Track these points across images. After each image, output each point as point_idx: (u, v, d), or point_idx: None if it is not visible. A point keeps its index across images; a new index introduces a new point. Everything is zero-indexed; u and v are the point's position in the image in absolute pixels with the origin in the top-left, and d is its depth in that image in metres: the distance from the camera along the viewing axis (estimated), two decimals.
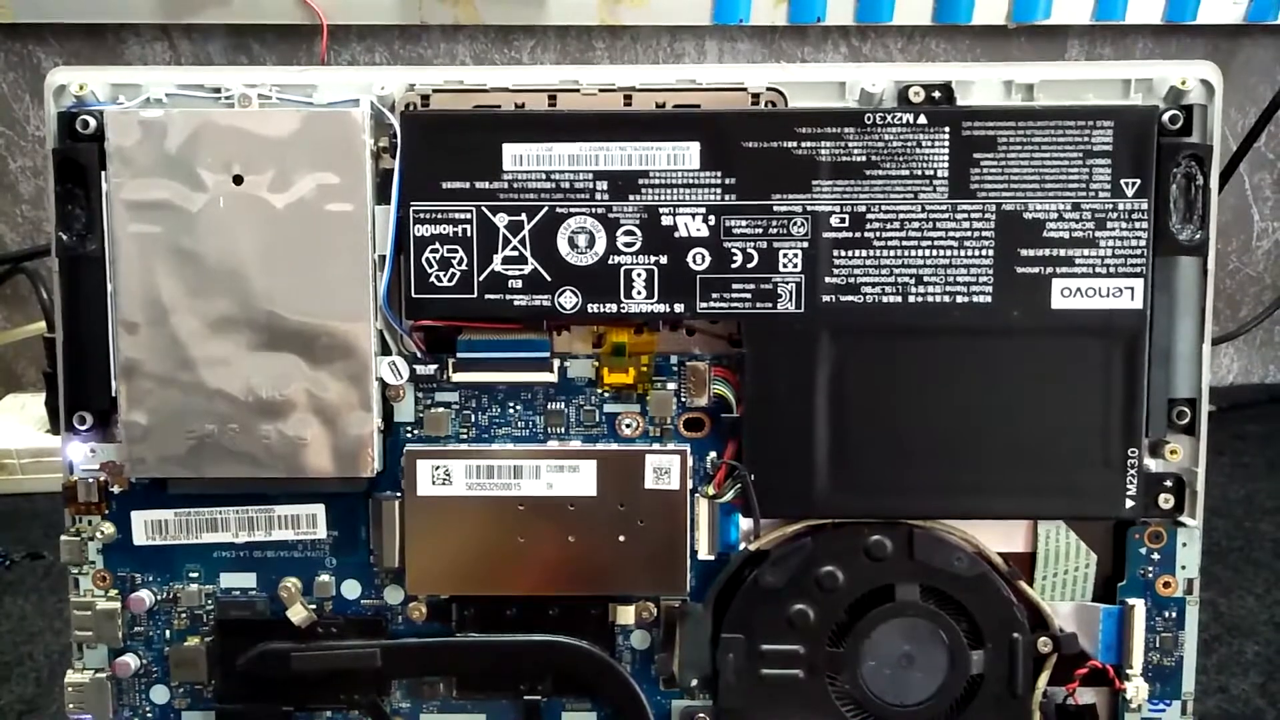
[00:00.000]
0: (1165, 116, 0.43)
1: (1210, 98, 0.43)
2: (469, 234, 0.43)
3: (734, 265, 0.43)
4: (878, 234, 0.43)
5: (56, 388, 0.45)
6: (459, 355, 0.44)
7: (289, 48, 0.90)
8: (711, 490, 0.45)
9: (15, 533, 0.74)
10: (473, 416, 0.45)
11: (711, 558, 0.45)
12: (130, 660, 0.46)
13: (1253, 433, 0.93)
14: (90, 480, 0.45)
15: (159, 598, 0.46)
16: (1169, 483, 0.44)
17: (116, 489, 0.45)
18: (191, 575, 0.46)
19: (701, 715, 0.46)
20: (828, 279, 0.43)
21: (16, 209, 0.95)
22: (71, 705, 0.46)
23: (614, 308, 0.43)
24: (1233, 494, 0.80)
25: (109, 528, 0.45)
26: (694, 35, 0.92)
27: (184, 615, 0.46)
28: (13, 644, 0.61)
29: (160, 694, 0.47)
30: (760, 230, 0.43)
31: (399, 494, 0.44)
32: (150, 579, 0.46)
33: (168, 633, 0.46)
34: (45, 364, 0.81)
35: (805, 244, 0.43)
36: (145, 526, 0.45)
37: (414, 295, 0.43)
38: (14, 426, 0.85)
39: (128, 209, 0.43)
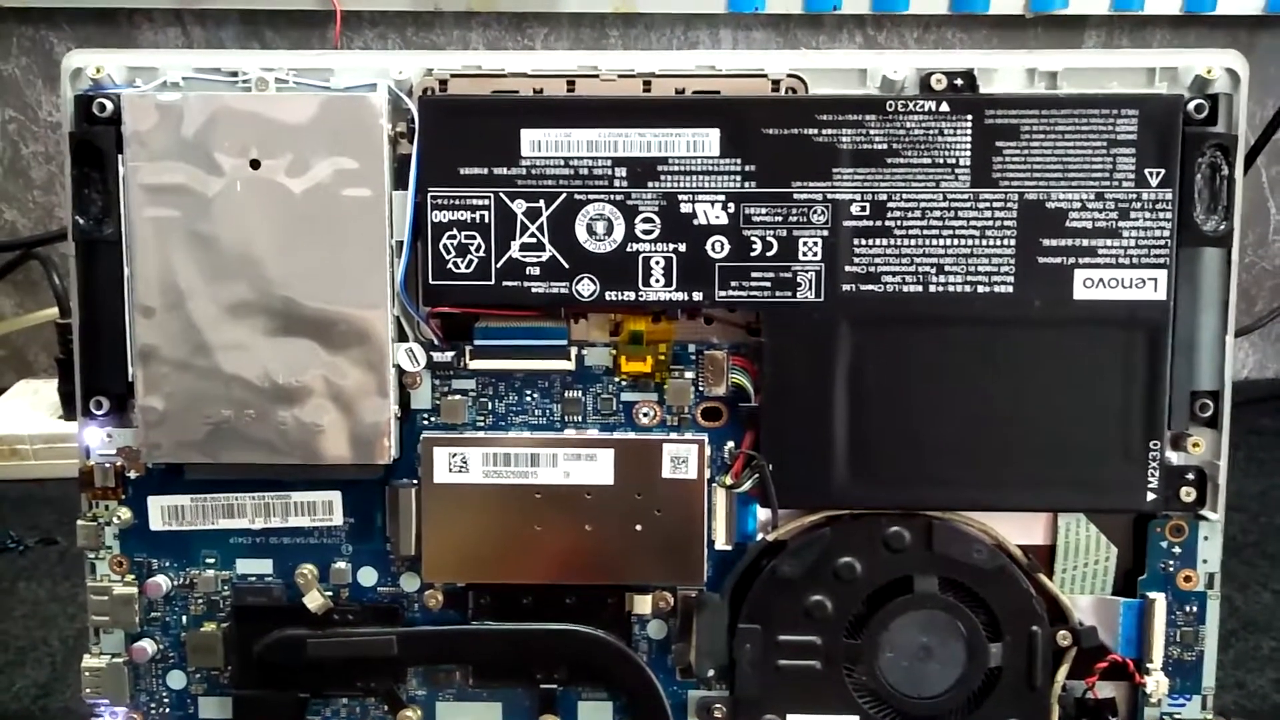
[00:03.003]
0: (1190, 106, 0.42)
1: (1236, 87, 0.42)
2: (487, 220, 0.43)
3: (753, 253, 0.43)
4: (899, 223, 0.42)
5: (69, 373, 0.45)
6: (476, 342, 0.44)
7: (302, 34, 0.90)
8: (729, 480, 0.44)
9: (28, 518, 0.74)
10: (489, 404, 0.45)
11: (729, 548, 0.45)
12: (147, 645, 0.46)
13: (1268, 427, 0.92)
14: (107, 465, 0.45)
15: (175, 583, 0.46)
16: (1191, 476, 0.44)
17: (133, 474, 0.45)
18: (208, 561, 0.46)
19: (718, 705, 0.46)
20: (848, 268, 0.43)
21: (29, 194, 0.95)
22: (88, 690, 0.46)
23: (632, 295, 0.43)
24: (1248, 489, 0.80)
25: (125, 513, 0.45)
26: (708, 23, 0.92)
27: (200, 601, 0.46)
28: (27, 629, 0.61)
29: (177, 679, 0.47)
30: (780, 218, 0.43)
31: (415, 481, 0.44)
32: (167, 564, 0.46)
33: (184, 618, 0.46)
34: (58, 349, 0.82)
35: (825, 232, 0.43)
36: (162, 512, 0.45)
37: (431, 282, 0.43)
38: (27, 412, 0.85)
39: (144, 193, 0.42)
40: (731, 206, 0.42)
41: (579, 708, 0.46)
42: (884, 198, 0.42)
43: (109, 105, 0.43)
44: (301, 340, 0.43)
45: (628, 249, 0.43)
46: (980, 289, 0.43)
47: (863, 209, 0.42)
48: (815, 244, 0.43)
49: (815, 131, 0.42)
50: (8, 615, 0.63)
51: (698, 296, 0.43)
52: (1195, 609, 0.45)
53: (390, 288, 0.43)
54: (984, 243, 0.42)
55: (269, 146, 0.42)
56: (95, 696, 0.46)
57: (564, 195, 0.43)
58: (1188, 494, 0.44)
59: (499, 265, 0.43)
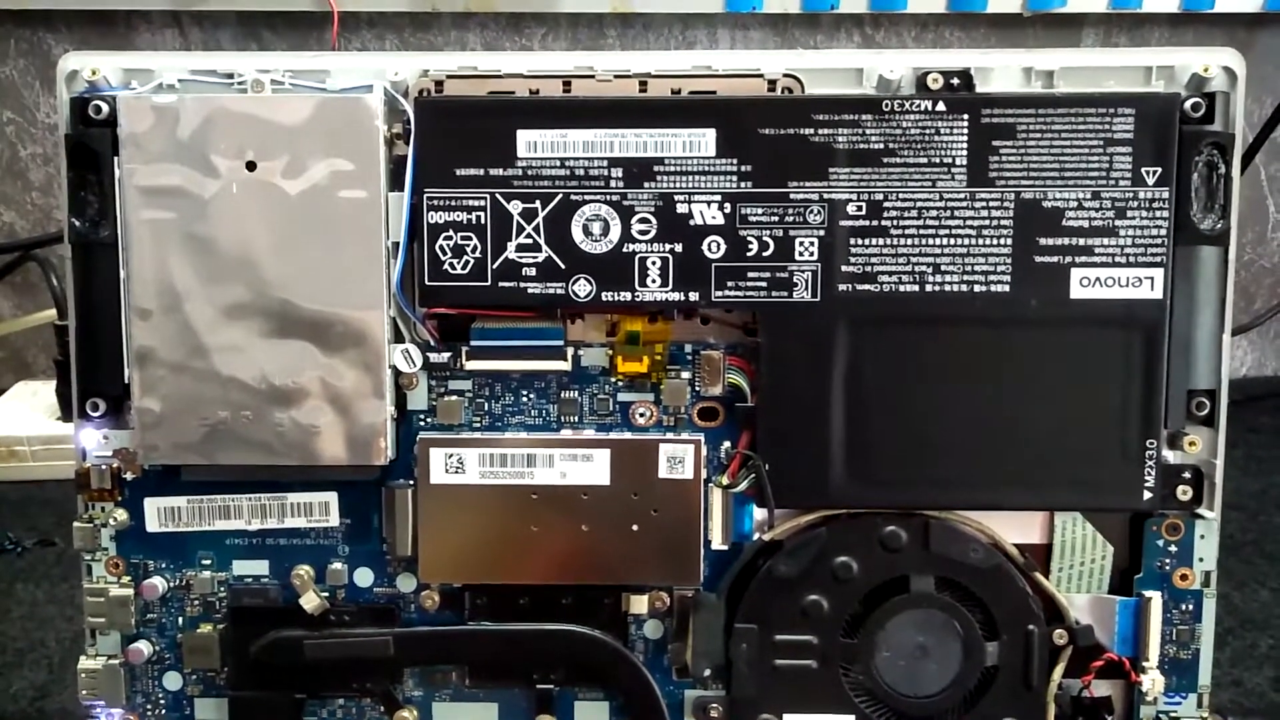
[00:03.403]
0: (1187, 104, 0.42)
1: (1233, 85, 0.42)
2: (483, 221, 0.43)
3: (749, 253, 0.43)
4: (895, 222, 0.42)
5: (67, 375, 0.44)
6: (472, 343, 0.44)
7: (299, 36, 0.90)
8: (725, 480, 0.44)
9: (26, 520, 0.75)
10: (486, 405, 0.45)
11: (725, 548, 0.45)
12: (143, 647, 0.46)
13: (1266, 425, 0.92)
14: (103, 467, 0.45)
15: (172, 584, 0.46)
16: (1187, 474, 0.44)
17: (129, 476, 0.45)
18: (204, 562, 0.46)
19: (714, 705, 0.46)
20: (844, 268, 0.43)
21: (27, 196, 0.95)
22: (84, 692, 0.46)
23: (628, 296, 0.43)
24: (1246, 488, 0.80)
25: (122, 514, 0.45)
26: (706, 23, 0.92)
27: (197, 602, 0.46)
28: (24, 630, 0.61)
29: (173, 680, 0.47)
30: (776, 218, 0.43)
31: (412, 482, 0.44)
32: (163, 566, 0.46)
33: (180, 620, 0.46)
34: (56, 351, 0.82)
35: (822, 232, 0.42)
36: (158, 513, 0.45)
37: (427, 283, 0.43)
38: (25, 414, 0.85)
39: (141, 195, 0.42)
40: (728, 206, 0.42)
41: (575, 708, 0.46)
42: (880, 197, 0.42)
43: (105, 107, 0.43)
44: (298, 342, 0.43)
45: (624, 249, 0.43)
46: (977, 289, 0.43)
47: (859, 209, 0.42)
48: (811, 244, 0.43)
49: (811, 131, 0.42)
50: (5, 617, 0.63)
51: (694, 297, 0.43)
52: (1191, 607, 0.45)
53: (386, 289, 0.43)
54: (980, 242, 0.42)
55: (265, 148, 0.42)
56: (91, 698, 0.46)
57: (560, 196, 0.43)
58: (1184, 493, 0.44)
59: (495, 266, 0.43)
